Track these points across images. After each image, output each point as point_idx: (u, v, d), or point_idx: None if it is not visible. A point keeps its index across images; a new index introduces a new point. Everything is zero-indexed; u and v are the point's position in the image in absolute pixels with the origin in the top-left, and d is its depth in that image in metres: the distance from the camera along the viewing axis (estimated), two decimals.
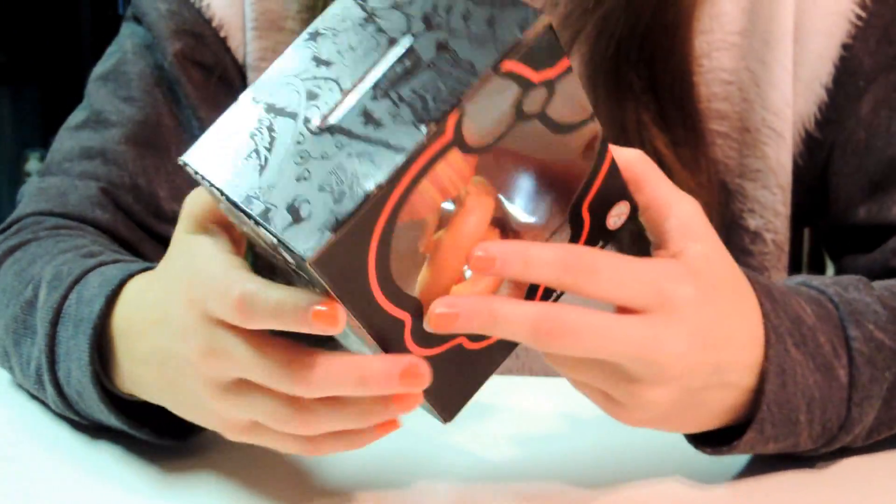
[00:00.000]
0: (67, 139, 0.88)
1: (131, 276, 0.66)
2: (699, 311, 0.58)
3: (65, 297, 0.69)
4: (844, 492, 0.65)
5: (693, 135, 0.81)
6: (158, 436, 0.67)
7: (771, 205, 0.84)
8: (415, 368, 0.51)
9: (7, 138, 3.04)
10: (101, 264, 0.70)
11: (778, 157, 0.83)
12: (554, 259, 0.53)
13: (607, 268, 0.55)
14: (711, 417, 0.63)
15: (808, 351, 0.63)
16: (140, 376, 0.64)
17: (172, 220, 0.87)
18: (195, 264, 0.57)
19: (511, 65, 0.50)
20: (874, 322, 0.66)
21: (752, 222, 0.84)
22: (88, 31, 2.83)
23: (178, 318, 0.57)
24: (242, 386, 0.55)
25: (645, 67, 0.79)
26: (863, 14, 0.80)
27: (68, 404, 0.69)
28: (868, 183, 0.82)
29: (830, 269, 0.96)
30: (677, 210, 0.60)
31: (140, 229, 0.85)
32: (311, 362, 0.52)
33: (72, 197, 0.84)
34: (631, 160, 0.60)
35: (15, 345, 0.73)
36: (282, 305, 0.51)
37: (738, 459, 0.68)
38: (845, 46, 0.80)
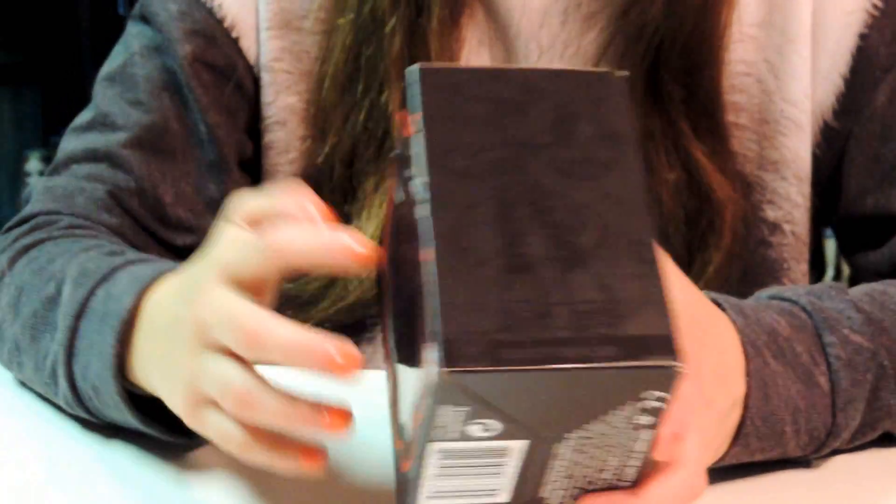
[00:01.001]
0: (74, 140, 0.88)
1: (162, 274, 0.66)
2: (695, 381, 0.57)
3: (91, 293, 0.68)
4: (832, 488, 0.65)
5: (721, 146, 0.81)
6: (170, 433, 0.67)
7: (790, 196, 0.84)
8: (350, 350, 0.50)
9: (7, 138, 3.04)
10: (129, 262, 0.70)
11: (797, 149, 0.83)
12: None
13: None
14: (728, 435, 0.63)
15: (787, 361, 0.63)
16: (147, 358, 0.63)
17: (177, 226, 0.86)
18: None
19: None
20: (849, 326, 0.66)
21: (772, 213, 0.84)
22: (88, 31, 2.83)
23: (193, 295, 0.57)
24: (218, 352, 0.54)
25: (684, 76, 0.79)
26: (879, 4, 0.80)
27: (80, 401, 0.69)
28: (879, 173, 0.82)
29: (831, 271, 0.96)
30: None
31: (146, 234, 0.85)
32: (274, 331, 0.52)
33: (79, 199, 0.84)
34: None
35: (32, 340, 0.72)
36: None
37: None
38: (861, 36, 0.80)
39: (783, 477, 0.66)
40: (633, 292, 0.48)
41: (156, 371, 0.63)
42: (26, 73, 2.98)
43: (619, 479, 0.52)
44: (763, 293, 0.69)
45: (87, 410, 0.69)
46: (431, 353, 0.46)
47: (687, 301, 0.59)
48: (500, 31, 0.83)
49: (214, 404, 0.55)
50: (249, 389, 0.53)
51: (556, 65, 0.83)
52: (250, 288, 0.54)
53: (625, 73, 0.53)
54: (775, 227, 0.84)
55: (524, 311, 0.47)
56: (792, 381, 0.63)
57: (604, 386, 0.47)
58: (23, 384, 0.77)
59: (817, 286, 0.69)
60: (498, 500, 0.51)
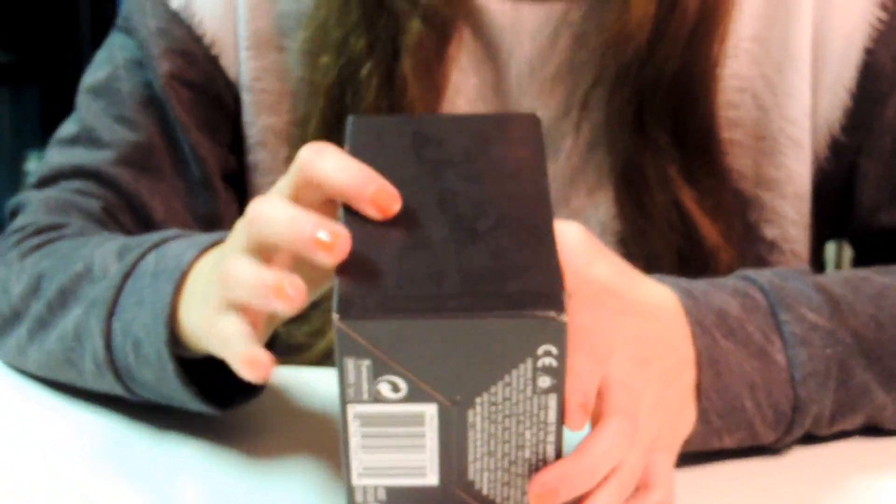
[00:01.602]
0: (59, 153, 0.88)
1: (221, 240, 0.66)
2: (626, 341, 0.60)
3: (141, 257, 0.69)
4: (811, 478, 0.66)
5: (716, 182, 0.81)
6: (202, 398, 0.66)
7: (788, 214, 0.83)
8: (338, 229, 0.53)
9: (7, 138, 3.03)
10: (179, 235, 0.71)
11: (797, 167, 0.82)
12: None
13: None
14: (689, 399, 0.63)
15: (738, 340, 0.64)
16: (190, 299, 0.64)
17: None
18: None
19: None
20: (806, 305, 0.66)
21: (770, 232, 0.84)
22: (88, 31, 2.82)
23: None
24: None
25: (670, 120, 0.79)
26: (883, 16, 0.79)
27: (111, 360, 0.68)
28: (892, 188, 0.81)
29: (830, 268, 0.96)
30: (564, 240, 0.61)
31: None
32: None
33: (74, 213, 0.84)
34: None
35: (60, 313, 0.72)
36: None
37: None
38: (867, 51, 0.80)
39: (771, 474, 0.67)
40: (524, 260, 0.52)
41: (194, 303, 0.63)
42: (25, 74, 2.98)
43: (540, 460, 0.54)
44: (734, 274, 0.70)
45: (117, 371, 0.69)
46: (333, 311, 0.51)
47: (610, 272, 0.62)
48: (489, 52, 0.83)
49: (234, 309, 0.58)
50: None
51: (543, 88, 0.83)
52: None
53: (536, 114, 0.59)
54: (773, 245, 0.84)
55: (418, 274, 0.52)
56: (745, 358, 0.64)
57: (493, 339, 0.51)
58: (25, 381, 0.77)
59: (785, 269, 0.70)
60: (428, 482, 0.54)
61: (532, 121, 0.59)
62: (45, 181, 0.87)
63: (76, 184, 0.86)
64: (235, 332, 0.58)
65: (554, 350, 0.51)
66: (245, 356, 0.57)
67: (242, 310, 0.58)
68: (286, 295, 0.54)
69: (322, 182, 0.55)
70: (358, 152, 0.58)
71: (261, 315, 0.59)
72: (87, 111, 0.88)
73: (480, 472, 0.55)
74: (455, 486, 0.55)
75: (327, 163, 0.55)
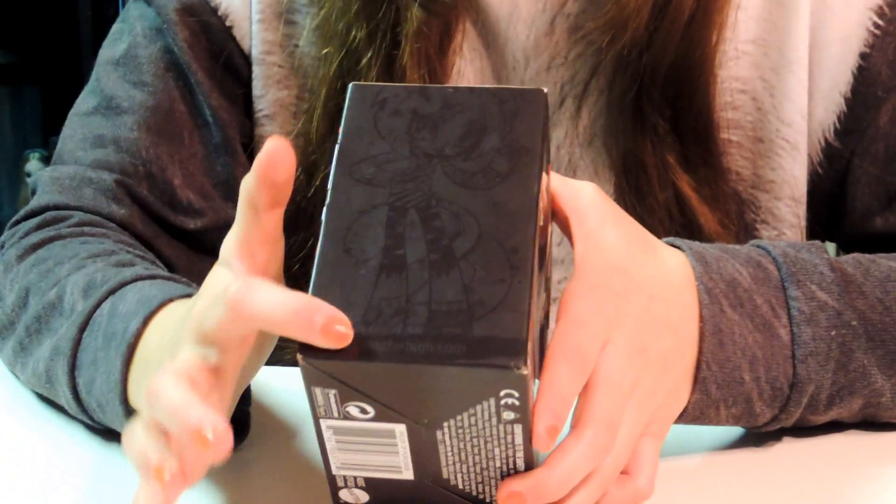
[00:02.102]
0: (79, 126, 0.87)
1: (170, 300, 0.65)
2: (626, 324, 0.59)
3: (97, 305, 0.68)
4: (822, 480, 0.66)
5: (713, 172, 0.81)
6: None
7: (784, 217, 0.83)
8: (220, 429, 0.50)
9: (7, 138, 3.03)
10: (138, 278, 0.70)
11: (793, 170, 0.82)
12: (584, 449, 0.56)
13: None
14: (683, 375, 0.63)
15: (745, 312, 0.64)
16: (138, 382, 0.63)
17: (187, 209, 0.86)
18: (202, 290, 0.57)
19: None
20: (818, 283, 0.66)
21: (765, 234, 0.84)
22: (88, 31, 2.82)
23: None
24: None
25: (669, 108, 0.79)
26: (880, 22, 0.79)
27: (83, 409, 0.69)
28: (885, 193, 0.81)
29: None
30: (576, 204, 0.61)
31: (155, 223, 0.85)
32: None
33: (87, 190, 0.83)
34: None
35: (33, 343, 0.72)
36: (278, 305, 0.51)
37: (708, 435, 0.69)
38: (863, 56, 0.79)
39: (769, 465, 0.67)
40: (494, 296, 0.52)
41: (143, 382, 0.62)
42: (26, 74, 2.98)
43: (511, 469, 0.55)
44: (749, 243, 0.70)
45: (91, 418, 0.69)
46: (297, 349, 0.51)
47: (621, 239, 0.61)
48: (488, 40, 0.83)
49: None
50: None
51: (540, 76, 0.83)
52: (219, 344, 0.54)
53: (544, 89, 0.57)
54: None
55: (386, 307, 0.51)
56: (749, 331, 0.64)
57: (454, 382, 0.51)
58: (23, 385, 0.77)
59: (802, 243, 0.70)
60: (404, 477, 0.55)
61: (537, 97, 0.58)
62: (62, 155, 0.87)
63: (92, 154, 0.85)
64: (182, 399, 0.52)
65: (515, 394, 0.51)
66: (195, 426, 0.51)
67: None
68: (162, 478, 0.51)
69: (259, 320, 0.52)
70: (351, 134, 0.57)
71: (232, 340, 0.55)
72: (106, 81, 0.88)
73: (454, 474, 0.56)
74: (430, 481, 0.56)
75: (262, 298, 0.51)
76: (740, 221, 0.84)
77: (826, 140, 0.82)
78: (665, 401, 0.62)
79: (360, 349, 0.51)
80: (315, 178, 0.84)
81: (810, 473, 0.67)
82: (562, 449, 0.55)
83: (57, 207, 0.83)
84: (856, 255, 0.72)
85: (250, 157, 0.89)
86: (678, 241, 0.67)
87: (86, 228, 0.80)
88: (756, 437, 0.70)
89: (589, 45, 0.81)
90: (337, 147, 0.57)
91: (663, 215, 0.81)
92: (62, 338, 0.69)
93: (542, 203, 0.56)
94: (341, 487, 0.57)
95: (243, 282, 0.52)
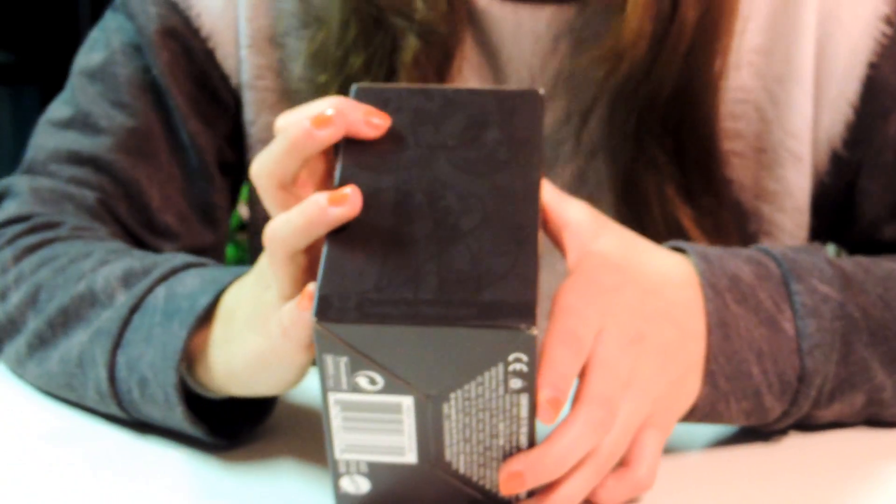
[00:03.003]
0: (52, 136, 0.86)
1: (237, 277, 0.66)
2: (622, 315, 0.60)
3: (150, 290, 0.68)
4: (822, 475, 0.66)
5: (716, 201, 0.81)
6: (212, 435, 0.67)
7: (787, 228, 0.83)
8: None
9: (7, 138, 3.03)
10: (190, 265, 0.70)
11: (796, 181, 0.82)
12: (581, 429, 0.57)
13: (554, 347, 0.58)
14: (690, 372, 0.64)
15: (750, 307, 0.64)
16: (230, 350, 0.64)
17: (164, 232, 0.86)
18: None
19: None
20: (818, 277, 0.66)
21: (768, 244, 0.84)
22: (88, 31, 2.82)
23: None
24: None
25: (670, 138, 0.78)
26: (888, 31, 0.79)
27: (115, 392, 0.68)
28: (894, 203, 0.81)
29: None
30: (571, 217, 0.63)
31: (134, 242, 0.84)
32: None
33: (68, 206, 0.82)
34: None
35: (63, 334, 0.72)
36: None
37: (708, 433, 0.70)
38: (872, 65, 0.79)
39: (771, 462, 0.67)
40: (502, 266, 0.54)
41: (234, 343, 0.63)
42: (25, 74, 2.98)
43: (514, 447, 0.56)
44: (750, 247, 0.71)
45: (120, 404, 0.69)
46: (313, 309, 0.53)
47: (616, 244, 0.62)
48: (492, 58, 0.82)
49: None
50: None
51: (546, 94, 0.83)
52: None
53: (541, 90, 0.59)
54: None
55: (397, 275, 0.54)
56: (754, 325, 0.64)
57: (465, 346, 0.53)
58: (29, 387, 0.77)
59: (800, 245, 0.70)
60: (407, 460, 0.56)
61: (534, 97, 0.59)
62: (36, 166, 0.86)
63: (71, 170, 0.84)
64: (286, 307, 0.58)
65: (524, 358, 0.53)
66: (297, 302, 0.57)
67: (295, 283, 0.58)
68: (344, 197, 0.55)
69: (311, 120, 0.57)
70: None
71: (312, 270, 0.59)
72: (82, 95, 0.87)
73: (457, 455, 0.57)
74: (433, 464, 0.57)
75: (299, 112, 0.58)
76: (742, 235, 0.84)
77: (833, 150, 0.82)
78: (669, 392, 0.62)
79: (373, 313, 0.52)
80: None
81: (811, 470, 0.67)
82: (560, 426, 0.56)
83: (44, 216, 0.82)
84: (856, 256, 0.72)
85: (236, 175, 0.89)
86: (680, 243, 0.68)
87: (83, 233, 0.80)
88: (756, 433, 0.70)
89: (589, 70, 0.81)
90: (342, 142, 0.58)
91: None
92: (108, 320, 0.69)
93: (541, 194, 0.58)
94: (343, 474, 0.58)
95: (286, 113, 0.59)
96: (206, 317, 0.66)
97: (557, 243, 0.64)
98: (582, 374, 0.58)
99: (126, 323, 0.68)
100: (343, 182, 0.57)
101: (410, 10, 0.78)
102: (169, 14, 0.85)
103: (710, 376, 0.64)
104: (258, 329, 0.61)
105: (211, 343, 0.65)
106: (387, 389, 0.54)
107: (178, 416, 0.66)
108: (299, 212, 0.56)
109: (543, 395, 0.54)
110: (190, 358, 0.66)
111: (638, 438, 0.61)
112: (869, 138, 0.81)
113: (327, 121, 0.56)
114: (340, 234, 0.55)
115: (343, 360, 0.53)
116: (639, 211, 0.81)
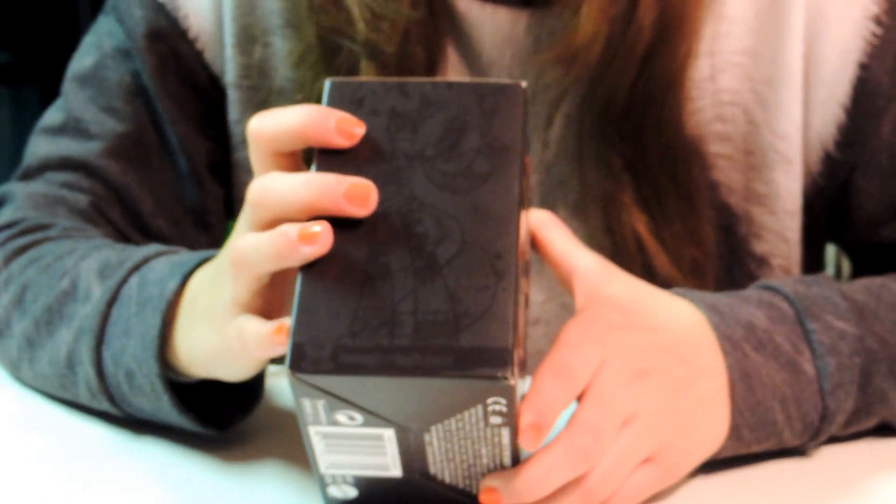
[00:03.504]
0: (45, 143, 0.86)
1: (204, 260, 0.66)
2: (626, 350, 0.60)
3: (124, 281, 0.68)
4: (829, 481, 0.66)
5: (688, 204, 0.79)
6: (201, 423, 0.66)
7: (778, 230, 0.83)
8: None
9: (7, 138, 3.03)
10: (161, 253, 0.70)
11: (786, 183, 0.81)
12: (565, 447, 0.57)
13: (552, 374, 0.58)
14: (706, 411, 0.63)
15: (768, 352, 0.64)
16: (189, 325, 0.64)
17: (157, 235, 0.86)
18: None
19: None
20: (833, 313, 0.66)
21: (759, 247, 0.83)
22: (88, 31, 2.82)
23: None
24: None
25: (630, 145, 0.77)
26: (878, 31, 0.78)
27: (105, 388, 0.68)
28: (892, 205, 0.81)
29: (831, 269, 0.96)
30: (579, 263, 0.63)
31: (127, 244, 0.84)
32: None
33: (61, 209, 0.83)
34: (536, 220, 0.64)
35: (47, 334, 0.72)
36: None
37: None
38: (862, 66, 0.78)
39: (778, 469, 0.67)
40: (479, 304, 0.52)
41: (194, 329, 0.63)
42: (25, 74, 2.97)
43: (497, 466, 0.56)
44: (754, 284, 0.70)
45: (112, 399, 0.69)
46: (286, 360, 0.52)
47: (626, 291, 0.63)
48: (472, 60, 0.81)
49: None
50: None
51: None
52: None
53: (523, 83, 0.57)
54: (762, 261, 0.84)
55: (372, 318, 0.52)
56: (775, 371, 0.64)
57: (443, 392, 0.52)
58: (26, 387, 0.77)
59: (809, 276, 0.70)
60: (392, 475, 0.56)
61: (516, 92, 0.57)
62: (31, 172, 0.86)
63: (64, 176, 0.85)
64: (251, 325, 0.57)
65: (503, 401, 0.52)
66: (269, 332, 0.56)
67: (255, 295, 0.58)
68: (315, 236, 0.54)
69: (278, 137, 0.56)
70: None
71: (275, 297, 0.59)
72: (73, 100, 0.87)
73: (441, 471, 0.57)
74: (419, 476, 0.57)
75: (275, 117, 0.57)
76: (730, 239, 0.83)
77: (826, 152, 0.81)
78: (680, 430, 0.62)
79: (348, 362, 0.51)
80: None
81: (813, 469, 0.67)
82: (541, 450, 0.56)
83: (36, 220, 0.82)
84: (863, 281, 0.72)
85: (226, 179, 0.89)
86: (685, 292, 0.67)
87: (73, 233, 0.80)
88: None
89: (573, 66, 0.79)
90: (316, 150, 0.57)
91: (628, 252, 0.80)
92: (86, 317, 0.69)
93: (525, 203, 0.57)
94: (329, 484, 0.58)
95: (257, 116, 0.57)
96: (175, 301, 0.66)
97: (567, 287, 0.64)
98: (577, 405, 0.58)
99: (105, 318, 0.68)
100: None
101: (353, 32, 0.78)
102: (156, 17, 0.85)
103: (735, 430, 0.64)
104: (214, 327, 0.60)
105: (177, 328, 0.65)
106: (366, 424, 0.54)
107: (166, 406, 0.66)
108: (269, 242, 0.55)
109: (525, 419, 0.54)
110: (165, 342, 0.66)
111: (632, 472, 0.60)
112: (862, 139, 0.81)
113: (313, 238, 0.54)
114: (314, 267, 0.54)
115: (320, 403, 0.53)
116: (607, 218, 0.80)
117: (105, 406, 0.70)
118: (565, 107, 0.80)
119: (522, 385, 0.56)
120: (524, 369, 0.57)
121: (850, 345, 0.66)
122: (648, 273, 0.79)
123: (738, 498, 0.65)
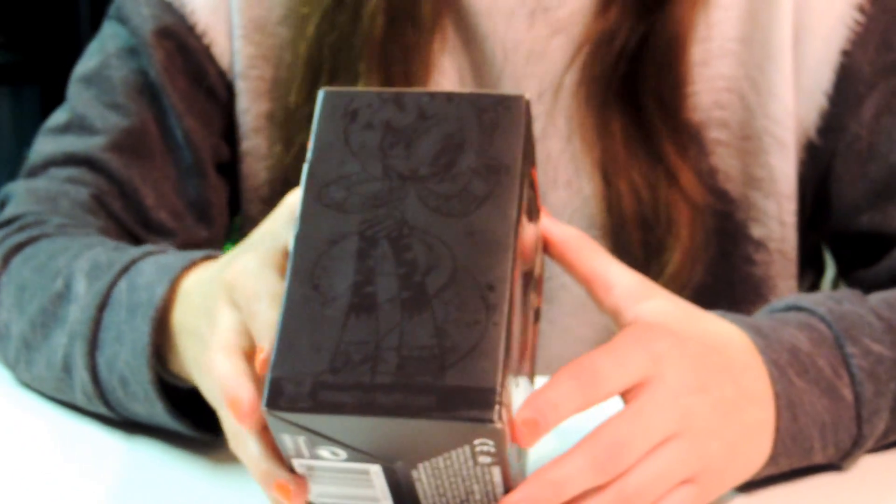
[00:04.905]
0: (50, 142, 0.87)
1: (193, 263, 0.66)
2: (680, 364, 0.58)
3: (113, 284, 0.68)
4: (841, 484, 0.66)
5: (689, 138, 0.80)
6: (196, 428, 0.67)
7: (775, 214, 0.83)
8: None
9: (7, 138, 3.03)
10: (148, 253, 0.70)
11: (782, 167, 0.82)
12: (583, 459, 0.54)
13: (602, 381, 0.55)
14: (752, 436, 0.62)
15: (811, 378, 0.63)
16: (184, 340, 0.64)
17: (159, 229, 0.86)
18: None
19: None
20: (869, 335, 0.65)
21: (757, 231, 0.84)
22: (88, 31, 2.82)
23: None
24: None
25: (656, 80, 0.79)
26: (861, 19, 0.79)
27: (101, 393, 0.68)
28: (871, 191, 0.81)
29: (830, 272, 0.96)
30: (617, 279, 0.60)
31: (129, 237, 0.85)
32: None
33: (63, 202, 0.83)
34: (566, 238, 0.60)
35: (43, 337, 0.72)
36: None
37: None
38: (844, 53, 0.79)
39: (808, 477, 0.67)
40: (468, 340, 0.49)
41: (190, 348, 0.63)
42: (25, 74, 2.98)
43: (492, 499, 0.53)
44: (779, 303, 0.69)
45: (108, 404, 0.69)
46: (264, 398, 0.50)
47: (669, 306, 0.60)
48: (468, 35, 0.82)
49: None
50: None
51: (518, 70, 0.83)
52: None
53: (526, 94, 0.54)
54: (760, 244, 0.84)
55: (355, 353, 0.49)
56: (817, 397, 0.63)
57: (426, 433, 0.49)
58: (26, 387, 0.77)
59: (838, 292, 0.69)
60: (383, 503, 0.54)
61: (518, 105, 0.54)
62: (36, 170, 0.87)
63: (67, 171, 0.85)
64: (229, 373, 0.55)
65: (490, 442, 0.50)
66: (231, 399, 0.54)
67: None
68: (288, 493, 0.53)
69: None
70: (321, 150, 0.54)
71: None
72: (77, 100, 0.88)
73: (434, 502, 0.54)
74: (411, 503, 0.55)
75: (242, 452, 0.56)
76: (728, 225, 0.83)
77: (808, 138, 0.82)
78: (723, 454, 0.59)
79: (326, 400, 0.49)
80: (293, 147, 0.85)
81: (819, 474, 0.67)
82: (561, 456, 0.54)
83: (35, 214, 0.83)
84: (882, 295, 0.71)
85: (232, 173, 0.89)
86: (725, 314, 0.65)
87: (69, 229, 0.80)
88: None
89: (566, 38, 0.81)
90: (306, 166, 0.54)
91: (632, 185, 0.80)
92: (78, 321, 0.69)
93: (524, 226, 0.54)
94: None
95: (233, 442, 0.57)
96: (165, 306, 0.66)
97: (602, 305, 0.61)
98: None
99: (97, 323, 0.68)
100: (304, 220, 0.52)
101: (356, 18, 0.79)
102: (163, 14, 0.86)
103: (774, 458, 0.62)
104: (199, 358, 0.60)
105: (176, 331, 0.65)
106: (350, 460, 0.51)
107: (160, 412, 0.66)
108: (255, 468, 0.54)
109: (521, 414, 0.51)
110: (159, 349, 0.66)
111: (671, 490, 0.57)
112: (842, 126, 0.81)
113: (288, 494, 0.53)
114: (297, 296, 0.51)
115: (301, 438, 0.51)
116: (609, 154, 0.80)
117: (101, 410, 0.70)
118: (576, 70, 0.81)
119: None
120: (532, 382, 0.55)
121: (888, 370, 0.65)
122: (660, 198, 0.80)
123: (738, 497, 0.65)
